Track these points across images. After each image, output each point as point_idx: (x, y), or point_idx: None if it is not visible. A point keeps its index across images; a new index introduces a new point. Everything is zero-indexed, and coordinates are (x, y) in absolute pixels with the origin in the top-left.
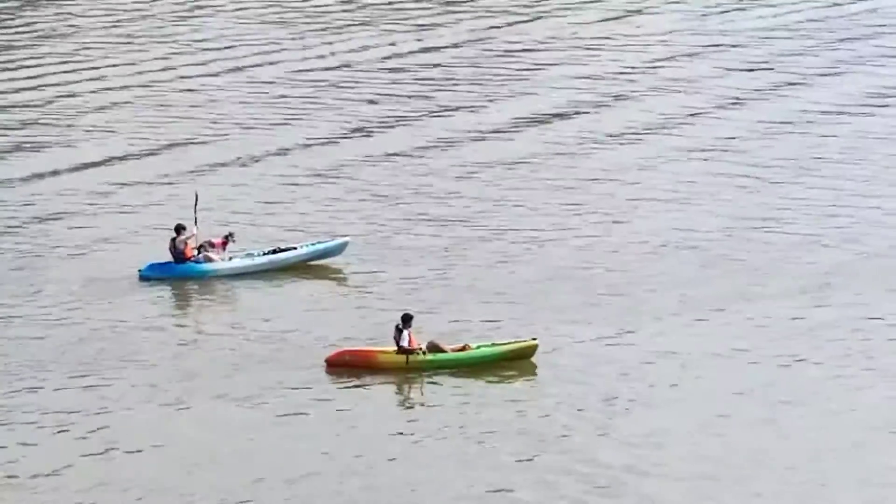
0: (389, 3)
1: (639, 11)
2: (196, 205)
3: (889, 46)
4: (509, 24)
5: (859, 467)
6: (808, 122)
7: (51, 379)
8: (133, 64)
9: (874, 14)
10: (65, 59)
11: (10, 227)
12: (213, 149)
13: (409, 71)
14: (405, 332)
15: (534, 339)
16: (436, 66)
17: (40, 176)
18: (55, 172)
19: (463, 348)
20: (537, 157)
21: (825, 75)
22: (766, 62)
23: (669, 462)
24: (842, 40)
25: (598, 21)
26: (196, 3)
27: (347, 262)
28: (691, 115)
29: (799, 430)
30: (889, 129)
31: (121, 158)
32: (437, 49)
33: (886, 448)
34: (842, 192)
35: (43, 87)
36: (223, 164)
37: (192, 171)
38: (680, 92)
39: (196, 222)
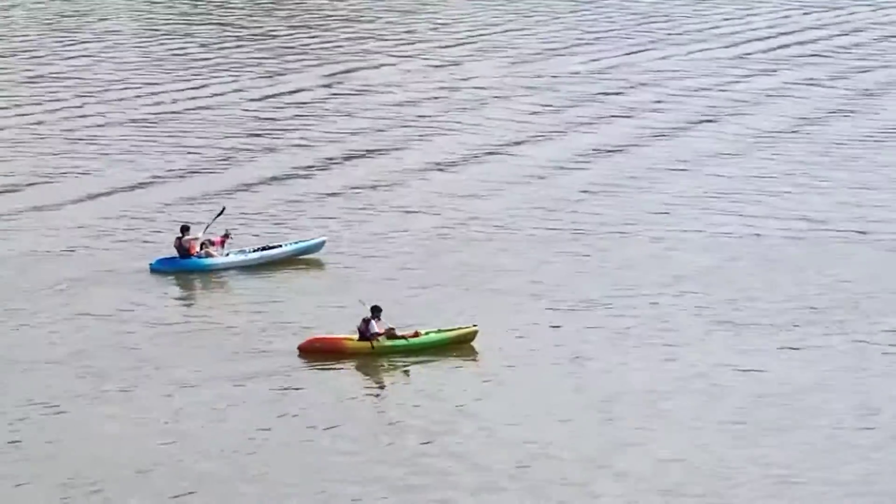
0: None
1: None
2: (218, 216)
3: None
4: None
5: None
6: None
7: (68, 362)
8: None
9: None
10: None
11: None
12: (209, 166)
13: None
14: (373, 322)
15: (474, 325)
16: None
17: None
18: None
19: (415, 334)
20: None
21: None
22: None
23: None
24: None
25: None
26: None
27: (324, 258)
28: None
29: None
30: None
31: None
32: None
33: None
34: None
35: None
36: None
37: (197, 185)
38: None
39: (206, 228)
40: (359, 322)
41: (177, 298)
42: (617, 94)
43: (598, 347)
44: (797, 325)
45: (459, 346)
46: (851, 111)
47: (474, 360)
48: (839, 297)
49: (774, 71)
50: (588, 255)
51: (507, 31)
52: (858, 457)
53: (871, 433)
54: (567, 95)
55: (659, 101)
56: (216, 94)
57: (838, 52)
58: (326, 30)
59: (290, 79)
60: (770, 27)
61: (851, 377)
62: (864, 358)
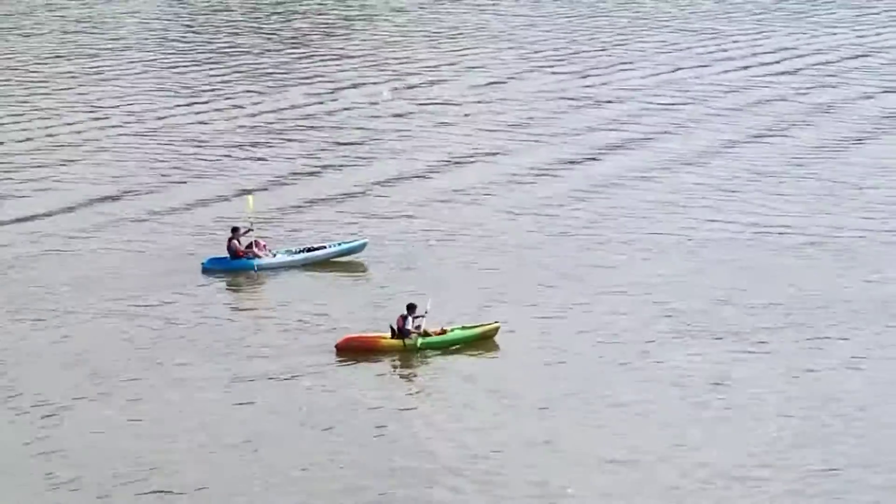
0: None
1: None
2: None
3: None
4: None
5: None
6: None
7: (133, 353)
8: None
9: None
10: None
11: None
12: (262, 174)
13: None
14: (410, 318)
15: (496, 322)
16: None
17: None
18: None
19: (442, 331)
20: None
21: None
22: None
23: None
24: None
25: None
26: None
27: (365, 258)
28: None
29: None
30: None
31: (173, 182)
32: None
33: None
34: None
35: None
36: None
37: (246, 190)
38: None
39: (251, 227)
40: (395, 320)
41: (224, 296)
42: (598, 108)
43: (606, 344)
44: (776, 330)
45: (484, 341)
46: (814, 125)
47: (497, 354)
48: (806, 302)
49: (745, 88)
50: (596, 261)
51: (552, 50)
52: (825, 449)
53: (836, 429)
54: (560, 114)
55: (644, 116)
56: (268, 111)
57: (810, 71)
58: (383, 46)
59: (340, 95)
60: (739, 50)
61: (817, 378)
62: (826, 359)
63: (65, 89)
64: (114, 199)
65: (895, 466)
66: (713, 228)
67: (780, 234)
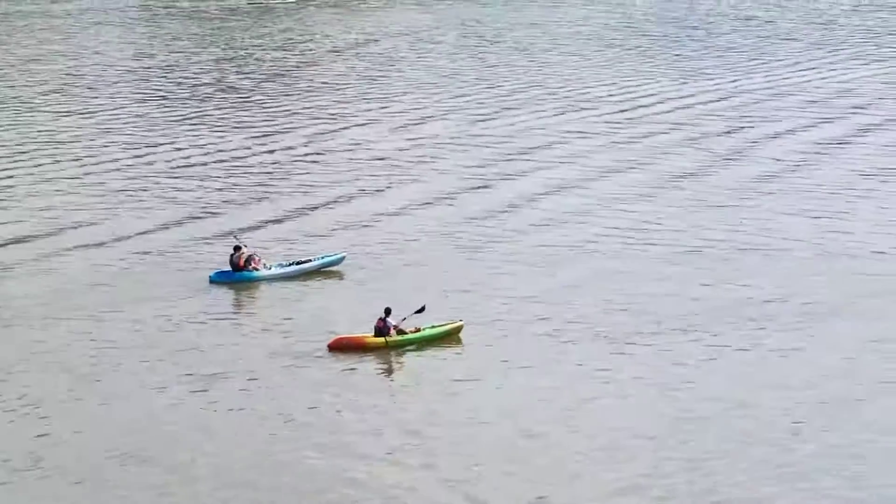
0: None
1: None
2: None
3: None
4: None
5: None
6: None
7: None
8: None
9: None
10: None
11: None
12: (252, 200)
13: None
14: (388, 320)
15: (460, 320)
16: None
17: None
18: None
19: (417, 330)
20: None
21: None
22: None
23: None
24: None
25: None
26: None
27: (344, 270)
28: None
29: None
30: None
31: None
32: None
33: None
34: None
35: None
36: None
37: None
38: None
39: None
40: (375, 322)
41: (228, 304)
42: (540, 147)
43: (552, 341)
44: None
45: (450, 337)
46: (686, 152)
47: (462, 348)
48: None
49: (629, 122)
50: (543, 265)
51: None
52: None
53: (700, 415)
54: (503, 150)
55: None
56: (259, 144)
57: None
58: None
59: (313, 130)
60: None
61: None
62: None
63: (68, 116)
64: (132, 227)
65: (763, 447)
66: (622, 241)
67: (660, 245)
